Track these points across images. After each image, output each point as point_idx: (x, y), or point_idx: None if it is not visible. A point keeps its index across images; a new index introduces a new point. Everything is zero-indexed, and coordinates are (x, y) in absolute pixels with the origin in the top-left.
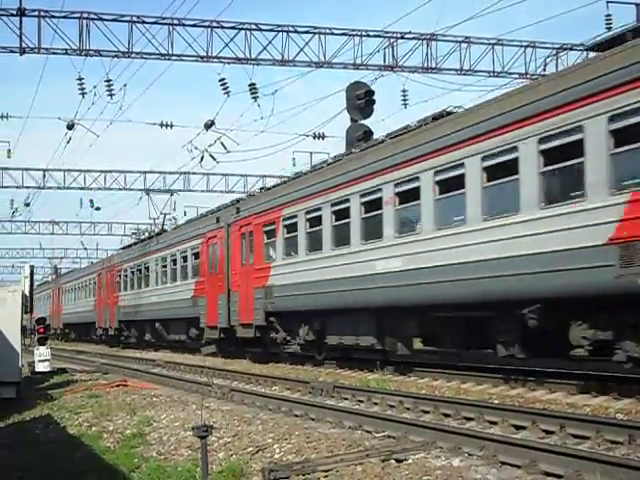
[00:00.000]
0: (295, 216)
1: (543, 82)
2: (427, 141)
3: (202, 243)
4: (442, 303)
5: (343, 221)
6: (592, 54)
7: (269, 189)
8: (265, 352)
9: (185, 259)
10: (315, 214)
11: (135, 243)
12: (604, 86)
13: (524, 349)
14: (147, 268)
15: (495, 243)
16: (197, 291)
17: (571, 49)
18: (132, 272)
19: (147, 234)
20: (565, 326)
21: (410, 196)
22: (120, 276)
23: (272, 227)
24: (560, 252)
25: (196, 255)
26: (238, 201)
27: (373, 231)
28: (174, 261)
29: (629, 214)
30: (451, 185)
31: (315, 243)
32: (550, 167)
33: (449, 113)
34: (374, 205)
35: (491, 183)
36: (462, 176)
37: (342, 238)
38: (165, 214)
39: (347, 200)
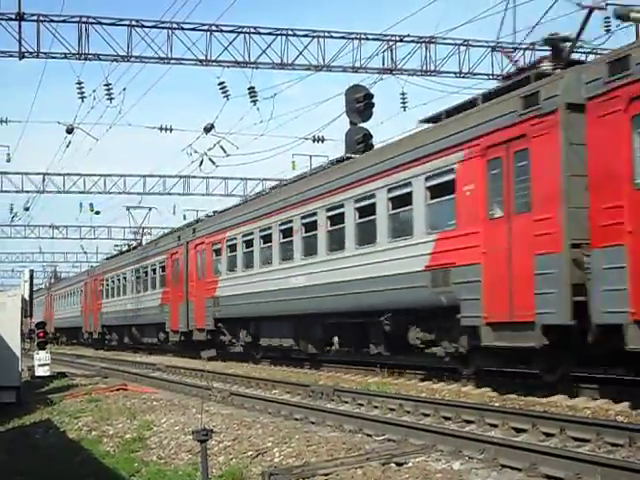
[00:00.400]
0: (235, 238)
1: (387, 148)
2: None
3: (167, 258)
4: (333, 312)
5: (268, 244)
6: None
7: (220, 212)
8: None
9: (154, 271)
10: (249, 237)
11: (116, 255)
12: (422, 154)
13: (386, 348)
14: (125, 278)
15: (363, 266)
16: (163, 300)
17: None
18: (112, 281)
19: (127, 247)
20: (406, 329)
21: (311, 227)
22: (102, 285)
23: (219, 246)
24: (400, 275)
25: (163, 268)
26: (197, 221)
27: (287, 254)
28: (146, 272)
29: (436, 249)
30: (338, 220)
31: (249, 261)
32: (394, 210)
33: (349, 157)
34: (288, 233)
35: (361, 220)
36: (342, 214)
37: (267, 258)
38: (143, 228)
39: (270, 228)
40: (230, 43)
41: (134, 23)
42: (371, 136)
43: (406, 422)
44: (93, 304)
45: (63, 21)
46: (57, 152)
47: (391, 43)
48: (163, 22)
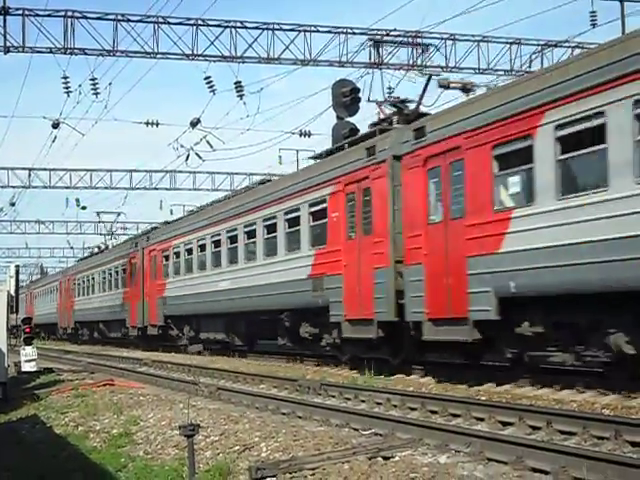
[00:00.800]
0: (179, 247)
1: (284, 180)
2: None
3: (127, 261)
4: (251, 311)
5: (202, 253)
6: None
7: (170, 223)
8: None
9: (117, 273)
10: (189, 246)
11: (87, 257)
12: (307, 186)
13: (288, 340)
14: (93, 278)
15: (269, 274)
16: (124, 298)
17: (556, 46)
18: (83, 281)
19: (97, 249)
20: (299, 325)
21: (233, 240)
22: (75, 284)
23: (167, 253)
24: (292, 281)
25: (124, 270)
26: (153, 229)
27: (217, 261)
28: (110, 274)
29: (315, 262)
30: (252, 235)
31: (189, 267)
32: (289, 229)
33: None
34: (217, 244)
35: (268, 236)
36: (255, 231)
37: (202, 264)
38: (112, 232)
39: (204, 239)
40: (216, 38)
41: (120, 17)
42: (357, 130)
43: (393, 416)
44: (67, 302)
45: (48, 15)
46: (43, 147)
47: (377, 38)
48: (149, 16)
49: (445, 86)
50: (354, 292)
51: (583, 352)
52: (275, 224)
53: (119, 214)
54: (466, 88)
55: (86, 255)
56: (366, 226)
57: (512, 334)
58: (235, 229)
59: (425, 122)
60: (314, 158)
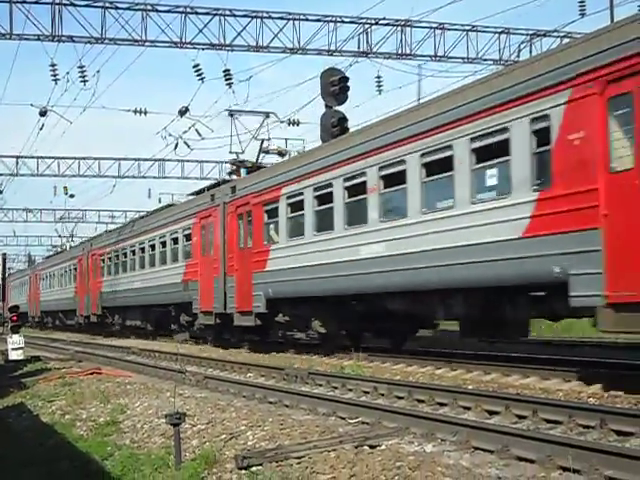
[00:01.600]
0: (110, 253)
1: (170, 210)
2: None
3: (78, 262)
4: (152, 304)
5: (126, 259)
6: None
7: (109, 232)
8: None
9: (71, 271)
10: (116, 253)
11: (50, 256)
12: (177, 216)
13: (177, 325)
14: (54, 275)
15: (162, 277)
16: (75, 293)
17: (545, 35)
18: (46, 277)
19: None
20: (180, 314)
21: (143, 251)
22: (40, 279)
23: (103, 257)
24: (174, 284)
25: (75, 269)
26: (98, 236)
27: (133, 266)
28: (66, 272)
29: (185, 270)
30: (152, 247)
31: (117, 269)
32: (173, 246)
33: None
34: (133, 253)
35: (173, 246)
36: (154, 245)
37: (125, 268)
38: (72, 235)
39: (125, 249)
40: (205, 25)
41: (108, 5)
42: (346, 119)
43: (380, 405)
44: (34, 294)
45: (36, 2)
46: (31, 135)
47: (367, 26)
48: (137, 4)
49: (266, 151)
50: (205, 293)
51: (308, 332)
52: (165, 241)
53: (76, 223)
54: (281, 153)
55: (52, 254)
56: (210, 248)
57: (274, 322)
58: (143, 242)
59: (235, 183)
60: (191, 194)
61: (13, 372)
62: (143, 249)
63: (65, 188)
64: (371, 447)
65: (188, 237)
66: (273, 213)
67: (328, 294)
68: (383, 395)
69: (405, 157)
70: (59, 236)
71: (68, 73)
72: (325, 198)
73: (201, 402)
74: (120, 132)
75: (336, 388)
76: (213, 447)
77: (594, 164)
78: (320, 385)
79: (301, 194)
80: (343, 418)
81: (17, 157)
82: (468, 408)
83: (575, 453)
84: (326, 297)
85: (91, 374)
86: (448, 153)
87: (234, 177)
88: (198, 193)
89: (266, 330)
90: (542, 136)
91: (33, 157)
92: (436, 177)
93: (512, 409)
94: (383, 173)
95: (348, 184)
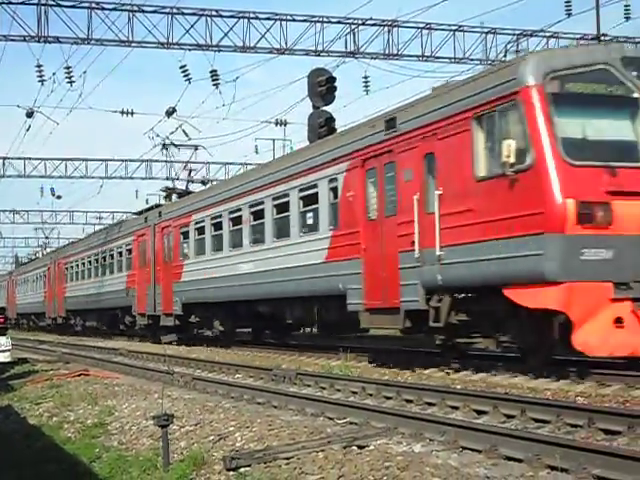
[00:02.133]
0: (72, 262)
1: (104, 230)
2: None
3: (47, 270)
4: (104, 308)
5: (82, 269)
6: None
7: (73, 243)
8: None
9: (41, 277)
10: (76, 263)
11: (24, 263)
12: (117, 236)
13: (124, 326)
14: (27, 280)
15: (107, 285)
16: (45, 297)
17: (531, 35)
18: (21, 282)
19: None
20: (125, 316)
21: (90, 263)
22: (15, 284)
23: (67, 266)
24: (117, 290)
25: (45, 276)
26: (66, 245)
27: (89, 274)
28: (38, 277)
29: (127, 279)
30: (98, 261)
31: (77, 277)
32: (110, 260)
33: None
34: (84, 265)
35: (111, 261)
36: (113, 254)
37: (83, 276)
38: (46, 244)
39: (83, 260)
40: (192, 26)
41: (94, 5)
42: (333, 119)
43: (368, 405)
44: (11, 297)
45: (22, 3)
46: (17, 136)
47: (353, 26)
48: (123, 4)
49: (191, 180)
50: (140, 298)
51: (213, 330)
52: (113, 254)
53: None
54: (204, 182)
55: (27, 261)
56: (144, 261)
57: (189, 322)
58: (97, 254)
59: (162, 209)
60: (135, 213)
61: (0, 375)
62: (97, 260)
63: (52, 189)
64: (359, 447)
65: (130, 251)
66: (186, 235)
67: (222, 300)
68: (371, 395)
69: (264, 199)
70: (46, 237)
71: (54, 74)
72: (218, 226)
73: (189, 403)
74: (107, 133)
75: (324, 388)
76: (201, 448)
77: (359, 213)
78: (308, 386)
79: (203, 221)
80: (331, 418)
81: (4, 158)
82: (456, 408)
83: (563, 452)
84: (221, 302)
85: (79, 376)
86: (287, 199)
87: (168, 201)
88: (140, 214)
89: (184, 329)
90: (334, 192)
91: (20, 158)
92: (281, 215)
93: (500, 408)
94: (252, 210)
95: (232, 216)
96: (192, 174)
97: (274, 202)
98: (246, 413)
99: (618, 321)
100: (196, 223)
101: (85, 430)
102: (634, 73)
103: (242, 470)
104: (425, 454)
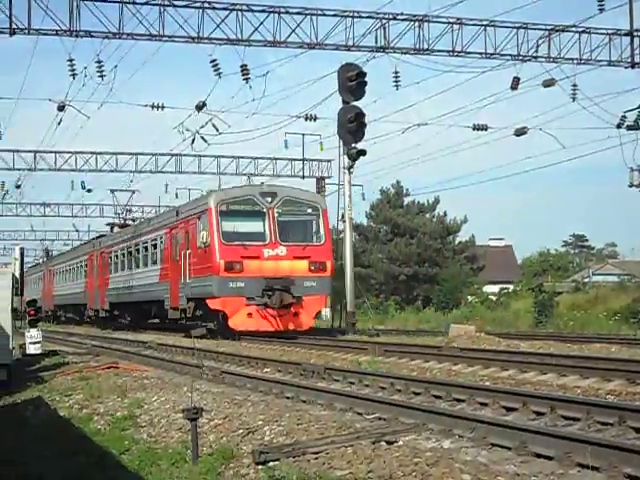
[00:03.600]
0: (58, 267)
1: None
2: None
3: (43, 274)
4: (67, 304)
5: (62, 275)
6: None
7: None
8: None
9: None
10: (61, 268)
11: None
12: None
13: (75, 315)
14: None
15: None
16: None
17: (563, 30)
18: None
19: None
20: (85, 309)
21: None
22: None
23: (53, 272)
24: (75, 293)
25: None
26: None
27: (66, 279)
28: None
29: (85, 285)
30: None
31: (62, 279)
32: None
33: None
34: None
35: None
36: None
37: (64, 279)
38: (127, 210)
39: (66, 265)
40: (222, 20)
41: (125, 0)
42: (363, 114)
43: (397, 401)
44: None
45: None
46: (48, 129)
47: (384, 21)
48: None
49: (125, 219)
50: (93, 297)
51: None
52: (80, 265)
53: (134, 192)
54: (133, 220)
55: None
56: (93, 272)
57: (116, 321)
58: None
59: (101, 240)
60: (88, 240)
61: (31, 366)
62: (73, 267)
63: (82, 183)
64: (388, 443)
65: (86, 265)
66: (110, 258)
67: (124, 301)
68: (400, 391)
69: (136, 242)
70: (76, 231)
71: (86, 68)
72: (121, 256)
73: (218, 397)
74: (137, 127)
75: (353, 384)
76: (230, 442)
77: (168, 257)
78: (337, 380)
79: (116, 251)
80: (360, 414)
81: (35, 152)
82: (485, 404)
83: (594, 450)
84: (126, 302)
85: (108, 368)
86: (145, 245)
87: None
88: (92, 239)
89: (110, 319)
90: (162, 244)
91: (51, 152)
92: (143, 253)
93: (530, 405)
94: (132, 249)
95: (125, 251)
96: (129, 214)
97: (140, 245)
98: (275, 407)
99: (249, 315)
100: (114, 252)
101: (115, 422)
102: (266, 199)
103: (271, 464)
104: (454, 450)
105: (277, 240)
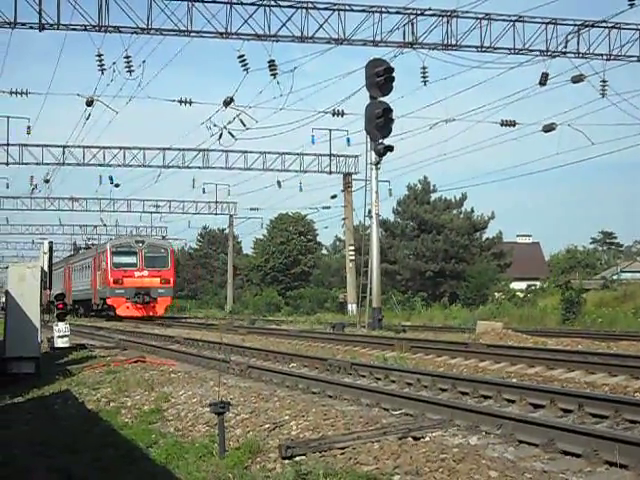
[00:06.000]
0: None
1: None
2: None
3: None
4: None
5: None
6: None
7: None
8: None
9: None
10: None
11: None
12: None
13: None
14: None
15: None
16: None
17: (593, 26)
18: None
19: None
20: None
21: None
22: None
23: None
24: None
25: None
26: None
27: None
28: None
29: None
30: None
31: (59, 279)
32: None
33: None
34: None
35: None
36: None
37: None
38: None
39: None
40: (250, 16)
41: None
42: (391, 110)
43: (423, 397)
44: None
45: None
46: (77, 124)
47: (412, 17)
48: None
49: (87, 242)
50: (68, 293)
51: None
52: (63, 273)
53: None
54: (94, 244)
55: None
56: (65, 280)
57: (77, 312)
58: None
59: (68, 259)
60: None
61: (59, 359)
62: (59, 275)
63: (110, 177)
64: (415, 439)
65: (64, 274)
66: (71, 271)
67: (78, 299)
68: (426, 387)
69: (79, 262)
70: (104, 225)
71: (114, 63)
72: (74, 269)
73: (244, 391)
74: (165, 122)
75: (379, 379)
76: (257, 436)
77: (93, 274)
78: (363, 376)
79: (73, 266)
80: (386, 409)
81: (64, 147)
82: (512, 401)
83: (622, 448)
84: (79, 300)
85: (135, 362)
86: (86, 264)
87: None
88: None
89: (72, 311)
90: (94, 265)
91: (79, 147)
92: (82, 270)
93: (557, 403)
94: (78, 266)
95: (75, 267)
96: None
97: (84, 264)
98: (301, 402)
99: (127, 307)
100: (74, 267)
101: (142, 416)
102: (138, 244)
103: (297, 459)
104: (481, 447)
105: (143, 267)
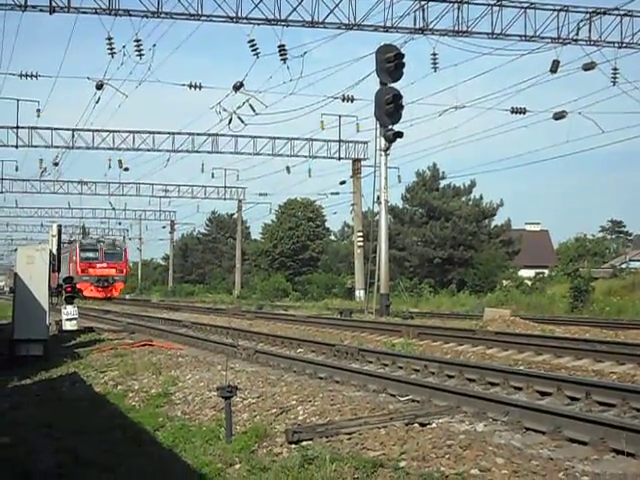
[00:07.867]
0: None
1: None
2: None
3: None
4: None
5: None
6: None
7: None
8: None
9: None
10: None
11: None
12: None
13: None
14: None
15: None
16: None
17: (605, 13)
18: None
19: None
20: None
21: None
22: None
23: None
24: None
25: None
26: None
27: None
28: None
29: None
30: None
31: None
32: None
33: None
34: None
35: None
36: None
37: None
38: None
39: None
40: (261, 0)
41: None
42: (401, 96)
43: (430, 383)
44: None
45: None
46: (86, 108)
47: (423, 2)
48: None
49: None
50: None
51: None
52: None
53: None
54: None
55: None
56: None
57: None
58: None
59: (66, 247)
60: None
61: (67, 342)
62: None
63: (120, 161)
64: (421, 425)
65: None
66: (66, 259)
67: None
68: (433, 374)
69: (68, 252)
70: (112, 209)
71: (124, 47)
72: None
73: (252, 376)
74: (175, 106)
75: (386, 365)
76: (264, 421)
77: (72, 265)
78: (370, 362)
79: (67, 254)
80: (393, 395)
81: (73, 130)
82: (519, 388)
83: (629, 436)
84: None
85: (143, 346)
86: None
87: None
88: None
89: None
90: (73, 257)
91: (89, 130)
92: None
93: (564, 390)
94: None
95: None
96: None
97: (68, 256)
98: (308, 387)
99: (91, 290)
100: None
101: (149, 399)
102: (99, 243)
103: (304, 444)
104: (488, 434)
105: (104, 260)
